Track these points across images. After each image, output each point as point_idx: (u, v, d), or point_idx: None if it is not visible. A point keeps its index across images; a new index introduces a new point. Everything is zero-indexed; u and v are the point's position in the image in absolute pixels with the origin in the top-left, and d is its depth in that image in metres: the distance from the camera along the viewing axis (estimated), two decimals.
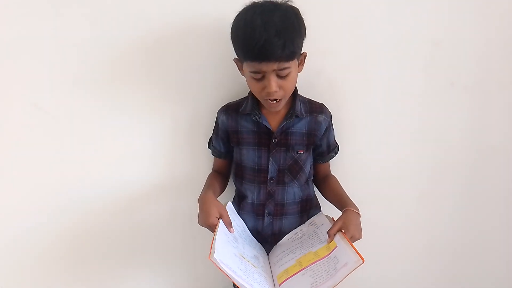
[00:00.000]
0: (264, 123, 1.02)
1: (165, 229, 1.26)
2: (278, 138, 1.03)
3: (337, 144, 1.14)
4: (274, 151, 1.03)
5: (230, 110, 1.08)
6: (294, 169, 1.05)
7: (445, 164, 1.28)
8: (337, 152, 1.14)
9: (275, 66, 0.89)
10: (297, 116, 1.03)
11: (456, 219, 1.34)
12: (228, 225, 0.96)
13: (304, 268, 0.90)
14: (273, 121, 1.04)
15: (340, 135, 1.15)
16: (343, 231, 0.93)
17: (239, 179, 1.10)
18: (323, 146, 1.09)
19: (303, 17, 0.94)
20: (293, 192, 1.07)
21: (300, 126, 1.04)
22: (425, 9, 1.14)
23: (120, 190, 1.21)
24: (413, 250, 1.36)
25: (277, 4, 0.92)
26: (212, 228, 0.92)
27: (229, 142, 1.09)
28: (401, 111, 1.22)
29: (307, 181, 1.10)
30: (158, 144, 1.18)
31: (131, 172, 1.20)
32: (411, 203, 1.31)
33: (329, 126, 1.08)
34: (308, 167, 1.08)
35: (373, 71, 1.18)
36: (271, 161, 1.04)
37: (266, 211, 1.07)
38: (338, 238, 0.91)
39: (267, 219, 1.07)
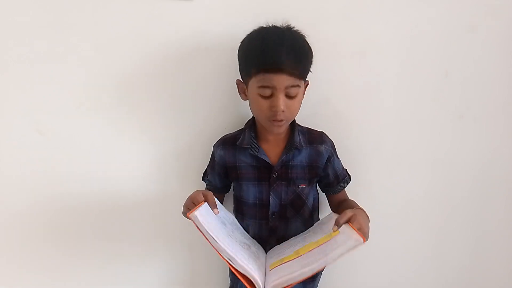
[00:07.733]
0: (263, 157, 1.00)
1: (157, 257, 1.23)
2: (278, 172, 1.01)
3: (347, 173, 1.10)
4: (274, 185, 1.01)
5: (227, 144, 1.05)
6: (296, 203, 1.03)
7: (454, 196, 1.25)
8: (349, 181, 1.09)
9: (287, 82, 0.89)
10: (296, 148, 1.00)
11: (465, 250, 1.30)
12: (213, 206, 0.90)
13: (300, 256, 0.84)
14: (272, 154, 1.02)
15: (345, 165, 1.12)
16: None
17: (240, 215, 1.07)
18: (330, 177, 1.06)
19: (312, 45, 0.96)
20: (295, 227, 1.04)
21: (301, 159, 1.02)
22: (435, 40, 1.14)
23: (114, 214, 1.18)
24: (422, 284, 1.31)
25: (287, 27, 0.95)
26: (195, 204, 0.87)
27: (227, 177, 1.07)
28: (409, 142, 1.20)
29: (311, 215, 1.06)
30: (156, 170, 1.17)
31: (130, 196, 1.17)
32: (420, 232, 1.27)
33: (332, 155, 1.05)
34: (311, 201, 1.05)
35: (380, 101, 1.17)
36: (272, 195, 1.01)
37: (268, 247, 1.04)
38: (343, 227, 0.85)
39: None
